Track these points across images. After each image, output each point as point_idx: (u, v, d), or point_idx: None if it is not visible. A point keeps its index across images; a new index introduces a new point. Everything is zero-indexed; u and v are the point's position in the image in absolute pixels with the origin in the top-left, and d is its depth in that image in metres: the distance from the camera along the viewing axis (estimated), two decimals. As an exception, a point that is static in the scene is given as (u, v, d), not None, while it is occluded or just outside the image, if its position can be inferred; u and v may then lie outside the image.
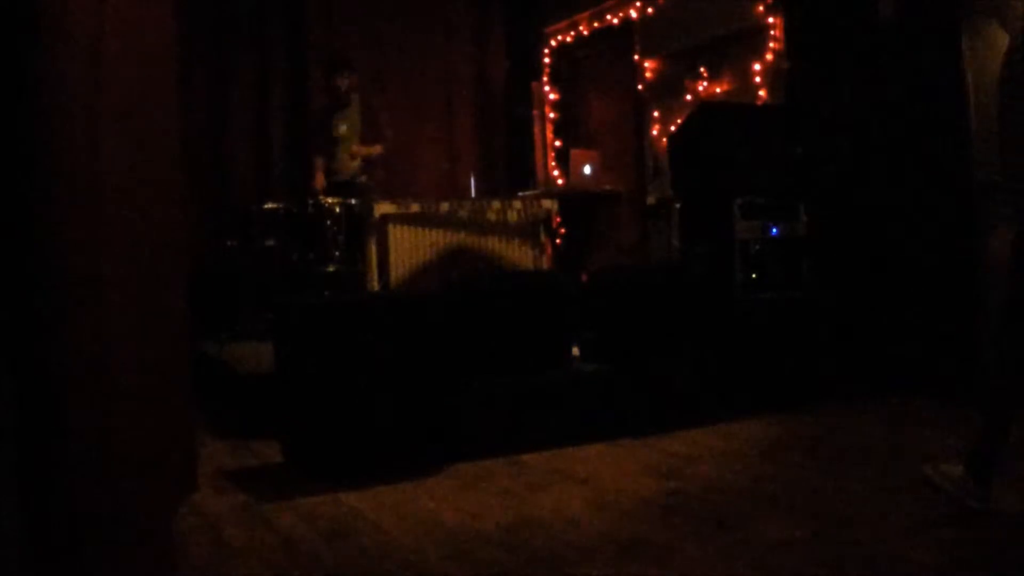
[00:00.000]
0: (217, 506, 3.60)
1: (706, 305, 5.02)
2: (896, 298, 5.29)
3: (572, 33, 8.07)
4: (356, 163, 6.69)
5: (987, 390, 3.11)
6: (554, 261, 7.00)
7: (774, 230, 5.17)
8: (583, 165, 7.74)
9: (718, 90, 6.67)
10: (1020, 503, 3.19)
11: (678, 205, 5.74)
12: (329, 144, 6.76)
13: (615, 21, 7.56)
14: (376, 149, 6.71)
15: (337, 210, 6.12)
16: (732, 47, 6.49)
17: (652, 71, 7.33)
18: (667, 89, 7.16)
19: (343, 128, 6.73)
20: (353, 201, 6.21)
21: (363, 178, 6.78)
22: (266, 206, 6.56)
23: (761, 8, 6.12)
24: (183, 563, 2.89)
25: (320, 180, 6.65)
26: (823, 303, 5.26)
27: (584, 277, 6.45)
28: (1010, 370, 3.04)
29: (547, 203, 6.61)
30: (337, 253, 6.13)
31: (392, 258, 6.06)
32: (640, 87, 7.39)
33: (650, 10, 7.19)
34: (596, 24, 7.78)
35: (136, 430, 2.38)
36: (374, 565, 2.91)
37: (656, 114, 7.28)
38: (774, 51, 6.04)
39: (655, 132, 7.28)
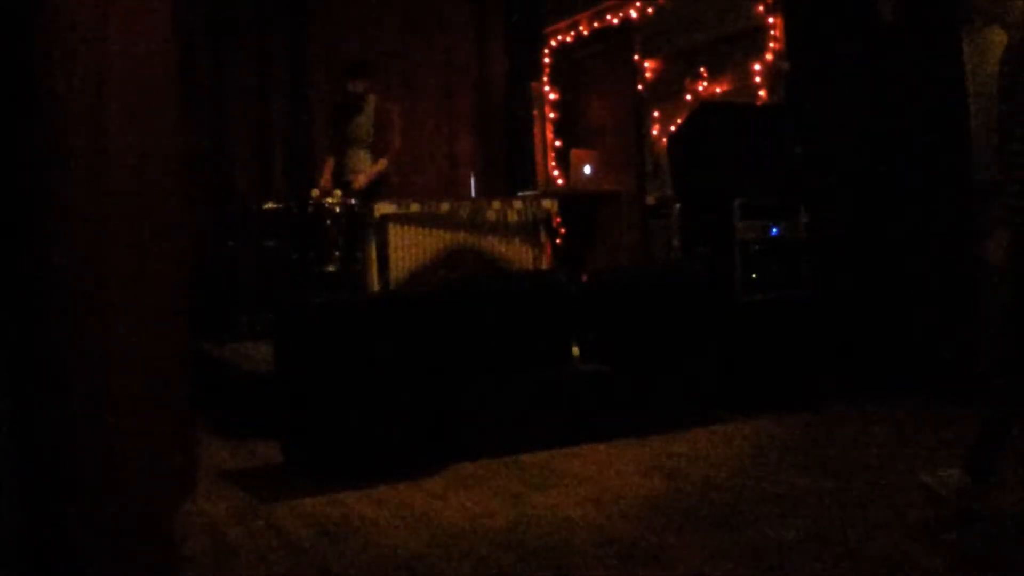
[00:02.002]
0: (217, 506, 3.60)
1: (706, 305, 5.02)
2: (896, 298, 5.29)
3: (572, 33, 8.07)
4: (365, 182, 6.61)
5: (988, 391, 3.11)
6: (554, 261, 6.99)
7: (774, 230, 5.17)
8: (583, 165, 7.73)
9: (718, 90, 6.67)
10: (1020, 503, 3.19)
11: (678, 205, 5.74)
12: (342, 144, 6.75)
13: (615, 21, 7.56)
14: (380, 166, 6.65)
15: (337, 210, 6.12)
16: (732, 47, 6.48)
17: (652, 71, 7.32)
18: (667, 89, 7.15)
19: (355, 130, 6.72)
20: (353, 201, 6.20)
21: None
22: (266, 206, 6.55)
23: (761, 8, 6.12)
24: (183, 563, 2.89)
25: (327, 179, 6.64)
26: (823, 303, 5.25)
27: (584, 277, 6.44)
28: (1011, 371, 3.04)
29: (547, 203, 6.61)
30: (337, 253, 6.12)
31: (392, 258, 6.05)
32: (640, 87, 7.39)
33: (650, 10, 7.19)
34: (596, 24, 7.77)
35: (136, 430, 2.38)
36: (374, 565, 2.91)
37: (656, 114, 7.27)
38: (774, 51, 6.04)
39: (655, 132, 7.27)
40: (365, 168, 6.64)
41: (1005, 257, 2.97)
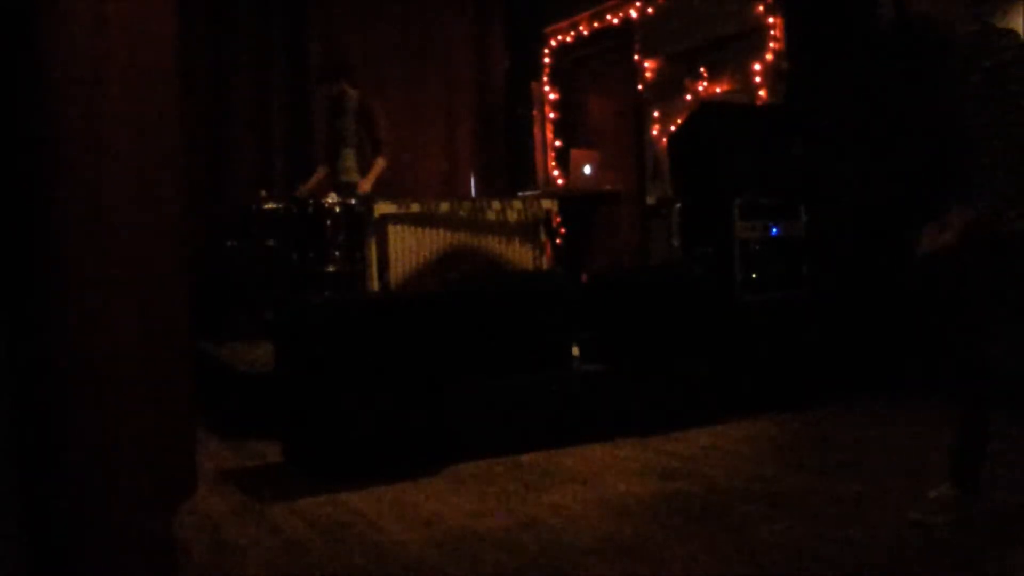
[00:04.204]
0: (217, 506, 3.60)
1: (706, 305, 5.02)
2: (896, 298, 5.29)
3: (572, 33, 8.07)
4: (369, 187, 6.58)
5: (957, 396, 3.12)
6: (554, 261, 7.00)
7: (774, 230, 5.17)
8: (583, 165, 7.74)
9: (718, 90, 6.67)
10: (1017, 502, 3.19)
11: (678, 205, 5.74)
12: (333, 147, 6.75)
13: (615, 21, 7.56)
14: (379, 165, 6.61)
15: (337, 210, 6.12)
16: (732, 47, 6.48)
17: (652, 71, 7.32)
18: (667, 89, 7.16)
19: (342, 131, 6.72)
20: (353, 201, 6.21)
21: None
22: (266, 206, 6.56)
23: (761, 8, 6.12)
24: (183, 563, 2.89)
25: (311, 186, 6.66)
26: (823, 303, 5.26)
27: (584, 277, 6.45)
28: (974, 371, 3.05)
29: (547, 203, 6.61)
30: (337, 253, 6.12)
31: (392, 258, 6.05)
32: (640, 87, 7.39)
33: (650, 10, 7.19)
34: (596, 24, 7.78)
35: (136, 430, 2.38)
36: (374, 565, 2.91)
37: (656, 114, 7.28)
38: (774, 51, 6.04)
39: (655, 132, 7.27)
40: (354, 167, 6.63)
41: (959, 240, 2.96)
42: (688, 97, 6.85)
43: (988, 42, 2.97)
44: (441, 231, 6.21)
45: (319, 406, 3.97)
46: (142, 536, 2.40)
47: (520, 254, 6.40)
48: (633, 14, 7.33)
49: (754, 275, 5.11)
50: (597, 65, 8.09)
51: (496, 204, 6.40)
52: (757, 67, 6.16)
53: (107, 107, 2.28)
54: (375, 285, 6.03)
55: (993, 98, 2.93)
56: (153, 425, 2.54)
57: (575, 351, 4.97)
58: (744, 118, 5.57)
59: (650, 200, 7.27)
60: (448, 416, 4.17)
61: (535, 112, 8.45)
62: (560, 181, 8.12)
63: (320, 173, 6.79)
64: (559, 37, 8.23)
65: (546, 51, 8.35)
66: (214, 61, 7.61)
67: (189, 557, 2.99)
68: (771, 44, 6.06)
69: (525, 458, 4.18)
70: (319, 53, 7.68)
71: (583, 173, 7.73)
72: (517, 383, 4.47)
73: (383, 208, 6.07)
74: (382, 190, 6.64)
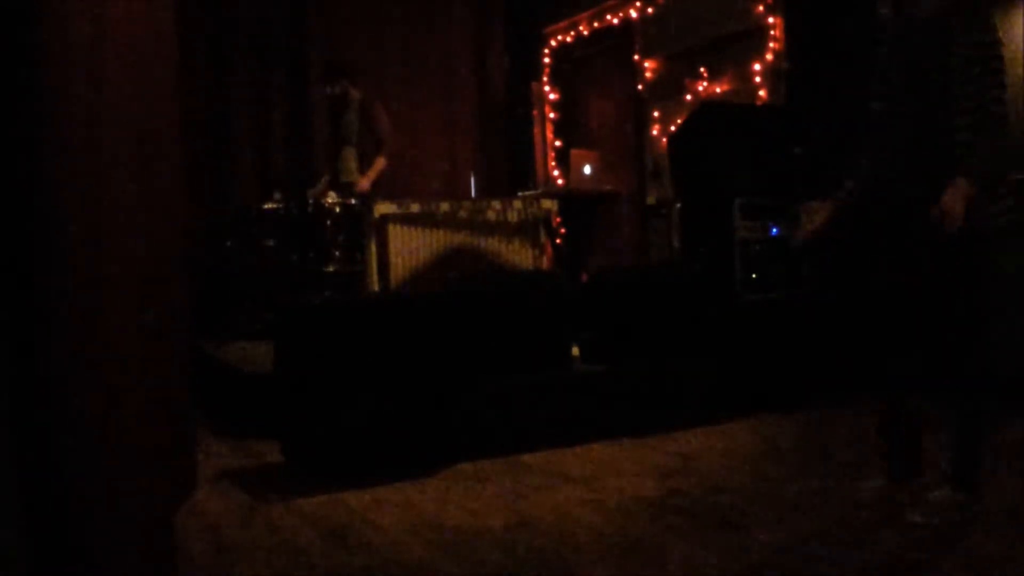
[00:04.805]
0: (217, 506, 3.60)
1: (706, 305, 5.02)
2: (895, 298, 5.28)
3: (572, 33, 8.08)
4: (367, 185, 6.58)
5: (954, 396, 3.12)
6: (554, 261, 7.00)
7: (774, 230, 5.18)
8: (583, 165, 7.74)
9: (718, 90, 6.67)
10: (1016, 501, 3.19)
11: (678, 205, 5.74)
12: (336, 146, 6.77)
13: (615, 21, 7.57)
14: (379, 165, 6.62)
15: (337, 210, 6.12)
16: (732, 47, 6.49)
17: (652, 71, 7.33)
18: (667, 89, 7.16)
19: (344, 131, 6.73)
20: (353, 201, 6.21)
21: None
22: (266, 206, 6.56)
23: (761, 8, 6.12)
24: (183, 563, 2.89)
25: (323, 187, 6.68)
26: (823, 303, 5.25)
27: (584, 277, 6.45)
28: (984, 372, 3.06)
29: (547, 203, 6.61)
30: (337, 253, 6.13)
31: (392, 258, 6.06)
32: (640, 87, 7.40)
33: (650, 10, 7.20)
34: (596, 24, 7.78)
35: (136, 430, 2.38)
36: (374, 565, 2.91)
37: (656, 114, 7.28)
38: (774, 51, 6.04)
39: (655, 132, 7.28)
40: (355, 167, 6.63)
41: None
42: (688, 97, 6.85)
43: (968, 22, 3.01)
44: (441, 231, 6.22)
45: (319, 406, 3.97)
46: (142, 536, 2.40)
47: (520, 254, 6.40)
48: (633, 14, 7.34)
49: (754, 275, 5.12)
50: (597, 65, 8.10)
51: (496, 204, 6.40)
52: (757, 67, 6.16)
53: (107, 108, 2.28)
54: (375, 285, 6.03)
55: (975, 75, 2.97)
56: (153, 425, 2.54)
57: (575, 351, 4.97)
58: (744, 118, 5.57)
59: (650, 200, 7.27)
60: (448, 416, 4.17)
61: (535, 112, 8.45)
62: (560, 181, 8.12)
63: (325, 181, 6.81)
64: (559, 37, 8.23)
65: (546, 51, 8.36)
66: (214, 61, 7.61)
67: (189, 557, 2.99)
68: (771, 44, 6.06)
69: (525, 458, 4.18)
70: (320, 53, 7.68)
71: (583, 173, 7.74)
72: (517, 383, 4.47)
73: (383, 208, 6.07)
74: (382, 190, 6.65)
